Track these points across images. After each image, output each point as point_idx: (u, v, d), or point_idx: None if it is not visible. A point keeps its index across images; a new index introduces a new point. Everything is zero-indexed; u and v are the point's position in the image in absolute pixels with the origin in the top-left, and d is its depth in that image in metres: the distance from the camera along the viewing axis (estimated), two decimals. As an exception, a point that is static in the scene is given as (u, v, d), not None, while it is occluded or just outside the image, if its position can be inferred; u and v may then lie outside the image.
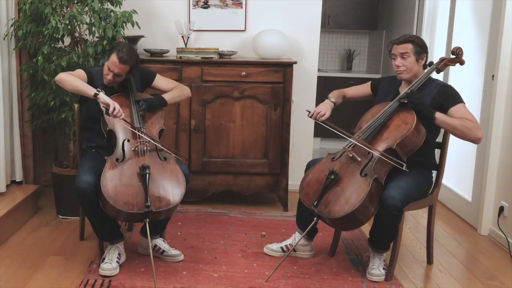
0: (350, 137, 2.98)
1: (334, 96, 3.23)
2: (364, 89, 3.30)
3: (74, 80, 2.99)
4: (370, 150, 2.88)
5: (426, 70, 3.04)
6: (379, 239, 3.01)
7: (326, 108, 3.12)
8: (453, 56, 3.06)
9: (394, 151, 2.87)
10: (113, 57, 3.01)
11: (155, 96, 3.21)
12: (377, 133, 2.95)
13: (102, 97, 2.94)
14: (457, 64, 3.08)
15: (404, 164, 2.84)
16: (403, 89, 3.04)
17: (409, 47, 2.96)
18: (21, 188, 3.90)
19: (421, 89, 2.98)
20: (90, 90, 2.95)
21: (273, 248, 3.30)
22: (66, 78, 2.98)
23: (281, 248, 3.28)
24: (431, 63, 3.08)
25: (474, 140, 2.86)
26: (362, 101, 3.43)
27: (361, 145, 2.91)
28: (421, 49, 2.97)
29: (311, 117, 3.12)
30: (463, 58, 3.05)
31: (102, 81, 3.10)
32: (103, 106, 2.95)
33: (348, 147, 2.96)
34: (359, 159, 2.89)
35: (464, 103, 2.93)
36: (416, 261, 3.35)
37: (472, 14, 4.30)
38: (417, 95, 2.93)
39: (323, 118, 3.09)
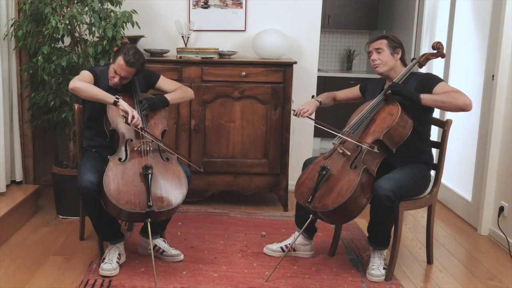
0: (339, 133, 3.04)
1: (323, 97, 3.36)
2: (354, 92, 3.42)
3: (90, 88, 2.94)
4: (358, 143, 2.92)
5: (408, 65, 3.13)
6: (375, 233, 3.02)
7: (309, 105, 3.27)
8: (435, 51, 3.15)
9: (382, 142, 2.91)
10: (120, 60, 2.97)
11: (157, 96, 3.20)
12: (365, 127, 3.01)
13: (122, 104, 2.93)
14: (439, 58, 3.17)
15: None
16: None
17: (383, 42, 3.10)
18: (21, 188, 3.90)
19: (404, 83, 3.04)
20: (109, 98, 2.94)
21: (273, 248, 3.30)
22: (81, 86, 2.92)
23: (281, 248, 3.28)
24: (413, 59, 3.18)
25: (464, 107, 2.84)
26: (353, 102, 3.47)
27: (349, 139, 2.96)
28: (395, 44, 3.10)
29: (295, 115, 3.25)
30: (444, 52, 3.14)
31: (107, 82, 3.09)
32: (123, 115, 2.95)
33: (338, 143, 3.02)
34: (349, 154, 2.95)
35: (445, 81, 3.00)
36: (416, 261, 3.35)
37: (472, 14, 4.30)
38: (400, 84, 3.00)
39: (306, 114, 3.21)
